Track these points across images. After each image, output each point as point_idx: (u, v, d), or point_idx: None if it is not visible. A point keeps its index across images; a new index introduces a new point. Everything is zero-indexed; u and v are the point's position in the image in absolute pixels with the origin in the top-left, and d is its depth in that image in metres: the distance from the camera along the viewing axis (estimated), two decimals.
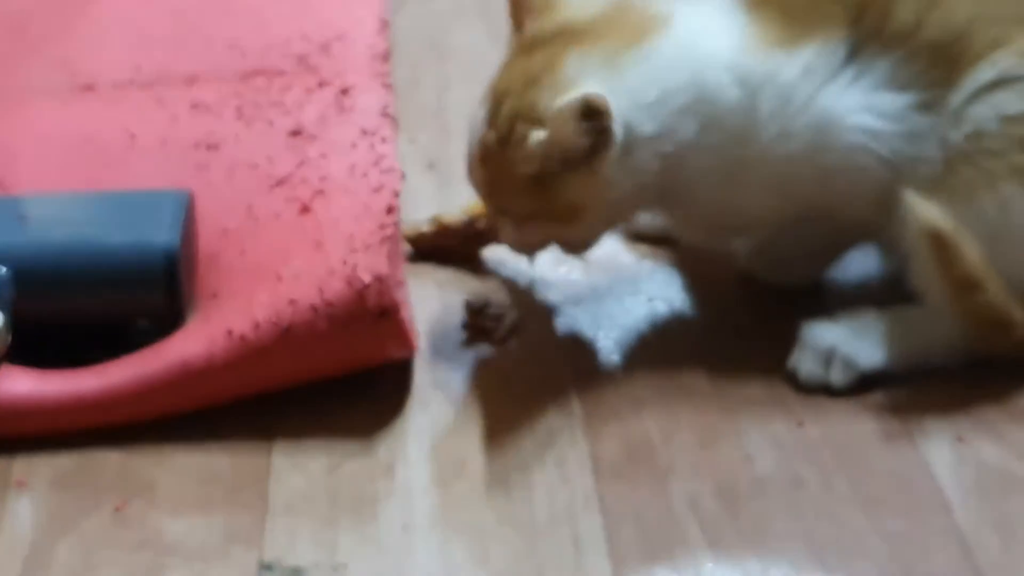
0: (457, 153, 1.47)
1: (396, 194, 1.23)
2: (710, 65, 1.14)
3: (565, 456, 1.10)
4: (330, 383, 1.15)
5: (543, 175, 1.13)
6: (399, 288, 1.18)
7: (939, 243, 1.09)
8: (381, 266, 1.11)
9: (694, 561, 1.00)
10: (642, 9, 1.17)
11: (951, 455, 1.09)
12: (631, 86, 1.12)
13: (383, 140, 1.31)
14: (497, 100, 1.15)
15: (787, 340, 1.18)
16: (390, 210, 1.20)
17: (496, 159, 1.14)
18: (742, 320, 1.25)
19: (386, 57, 1.56)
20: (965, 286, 1.11)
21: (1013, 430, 1.11)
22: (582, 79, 1.11)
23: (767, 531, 1.03)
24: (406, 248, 1.31)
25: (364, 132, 1.32)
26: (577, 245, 1.22)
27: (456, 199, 1.40)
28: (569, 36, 1.15)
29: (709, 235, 1.25)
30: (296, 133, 1.33)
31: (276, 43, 1.55)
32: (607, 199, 1.14)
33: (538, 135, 1.11)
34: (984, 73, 1.11)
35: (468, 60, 1.70)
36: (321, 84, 1.41)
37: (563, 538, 1.02)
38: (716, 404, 1.15)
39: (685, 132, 1.13)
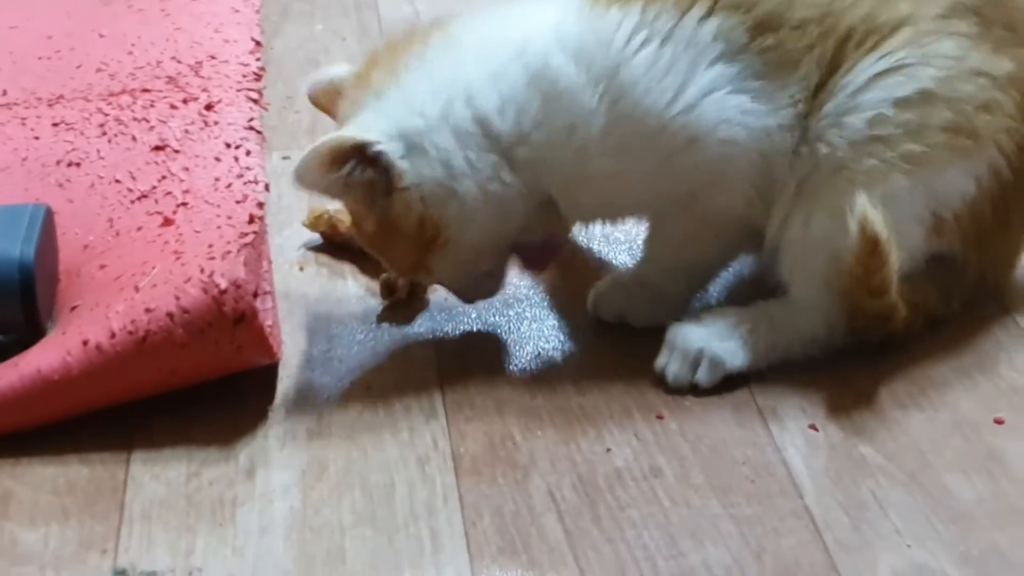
0: None
1: (260, 205, 1.23)
2: (535, 42, 1.15)
3: (427, 455, 1.11)
4: (193, 391, 1.15)
5: (382, 219, 1.16)
6: (263, 297, 1.19)
7: (873, 248, 1.10)
8: (238, 272, 1.11)
9: (550, 550, 1.01)
10: (423, 28, 1.21)
11: (803, 442, 1.11)
12: (405, 97, 1.15)
13: (248, 153, 1.31)
14: None
15: (651, 340, 1.20)
16: (252, 220, 1.20)
17: (364, 240, 1.21)
18: (604, 321, 1.27)
19: (258, 76, 1.57)
20: (876, 292, 1.13)
21: (863, 416, 1.13)
22: (350, 122, 1.16)
23: (624, 519, 1.04)
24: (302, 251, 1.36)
25: (228, 145, 1.33)
26: (483, 287, 1.23)
27: None
28: (349, 87, 1.21)
29: (593, 217, 1.24)
30: (160, 148, 1.33)
31: (146, 65, 1.56)
32: (445, 202, 1.15)
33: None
34: (877, 64, 1.13)
35: None
36: (186, 100, 1.41)
37: (421, 534, 1.03)
38: (578, 401, 1.17)
39: (528, 110, 1.14)
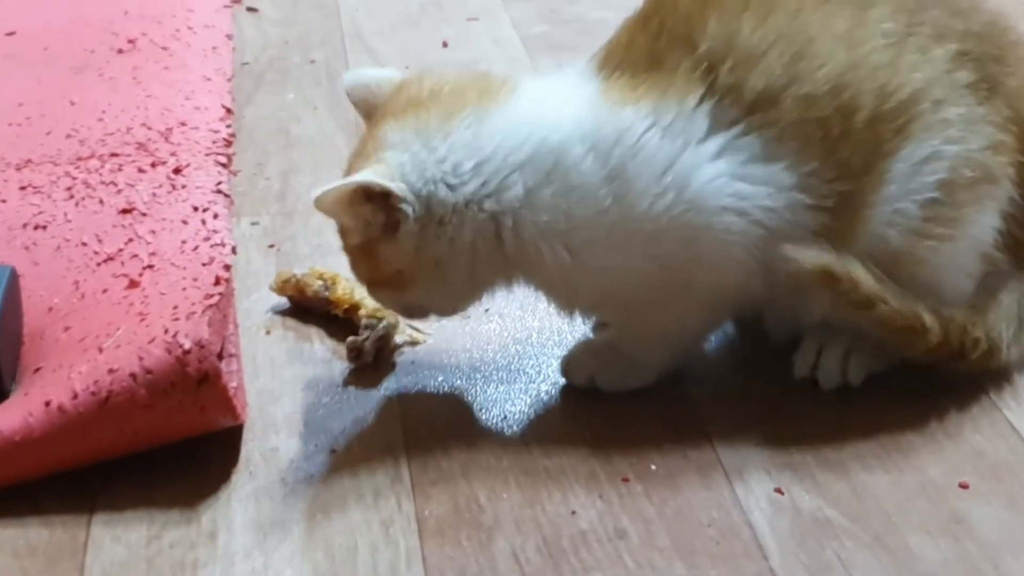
0: (298, 235, 1.51)
1: (226, 267, 1.24)
2: (555, 125, 1.15)
3: (391, 517, 1.10)
4: (155, 453, 1.14)
5: (369, 244, 1.16)
6: (228, 359, 1.19)
7: (830, 278, 1.12)
8: (202, 333, 1.11)
9: None
10: (482, 79, 1.20)
11: (768, 505, 1.11)
12: (445, 152, 1.14)
13: (215, 216, 1.32)
14: (346, 172, 1.19)
15: (619, 404, 1.21)
16: (218, 282, 1.20)
17: (343, 233, 1.20)
18: (570, 385, 1.26)
19: (229, 142, 1.58)
20: (865, 305, 1.14)
21: (828, 479, 1.13)
22: (382, 153, 1.14)
23: None
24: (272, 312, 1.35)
25: (196, 209, 1.33)
26: (446, 313, 1.24)
27: None
28: (393, 111, 1.18)
29: (573, 304, 1.23)
30: (127, 211, 1.34)
31: (116, 131, 1.57)
32: (431, 265, 1.16)
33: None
34: (916, 152, 1.15)
35: (315, 148, 1.72)
36: (154, 164, 1.42)
37: None
38: (544, 464, 1.16)
39: (516, 190, 1.14)
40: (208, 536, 1.08)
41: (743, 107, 1.14)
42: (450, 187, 1.14)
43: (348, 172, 1.18)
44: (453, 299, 1.22)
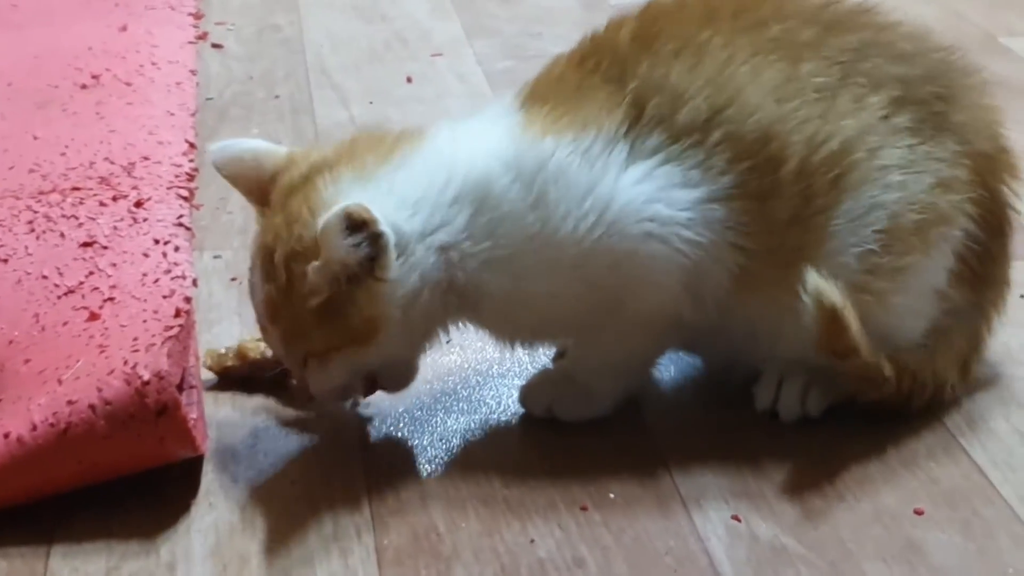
0: None
1: (187, 299, 1.24)
2: (476, 156, 1.17)
3: (350, 548, 1.11)
4: (115, 485, 1.14)
5: (332, 300, 1.13)
6: (189, 391, 1.19)
7: (832, 317, 1.13)
8: (161, 364, 1.11)
9: None
10: (393, 131, 1.21)
11: (726, 532, 1.12)
12: (389, 189, 1.15)
13: (176, 249, 1.33)
14: (267, 255, 1.16)
15: (578, 434, 1.23)
16: (178, 314, 1.21)
17: (284, 308, 1.15)
18: (529, 415, 1.27)
19: (191, 176, 1.59)
20: (845, 353, 1.15)
21: (784, 507, 1.14)
22: (338, 197, 1.13)
23: None
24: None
25: (157, 241, 1.34)
26: (394, 379, 1.22)
27: None
28: (317, 172, 1.17)
29: (513, 335, 1.24)
30: (88, 244, 1.34)
31: (79, 166, 1.57)
32: (400, 307, 1.15)
33: (315, 265, 1.12)
34: (851, 206, 1.16)
35: None
36: (115, 197, 1.42)
37: None
38: (503, 494, 1.17)
39: (458, 223, 1.15)
40: (167, 567, 1.09)
41: (667, 136, 1.16)
42: (404, 215, 1.14)
43: (274, 248, 1.15)
44: (411, 348, 1.20)
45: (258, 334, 1.30)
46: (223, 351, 1.32)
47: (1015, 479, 1.17)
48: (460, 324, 1.22)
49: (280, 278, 1.14)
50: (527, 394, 1.27)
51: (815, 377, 1.23)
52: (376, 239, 1.11)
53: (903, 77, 1.20)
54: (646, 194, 1.15)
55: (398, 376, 1.23)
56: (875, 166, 1.17)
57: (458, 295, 1.18)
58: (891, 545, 1.10)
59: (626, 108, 1.17)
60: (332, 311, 1.14)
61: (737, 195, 1.16)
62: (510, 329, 1.23)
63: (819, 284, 1.12)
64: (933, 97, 1.21)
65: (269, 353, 1.28)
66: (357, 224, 1.10)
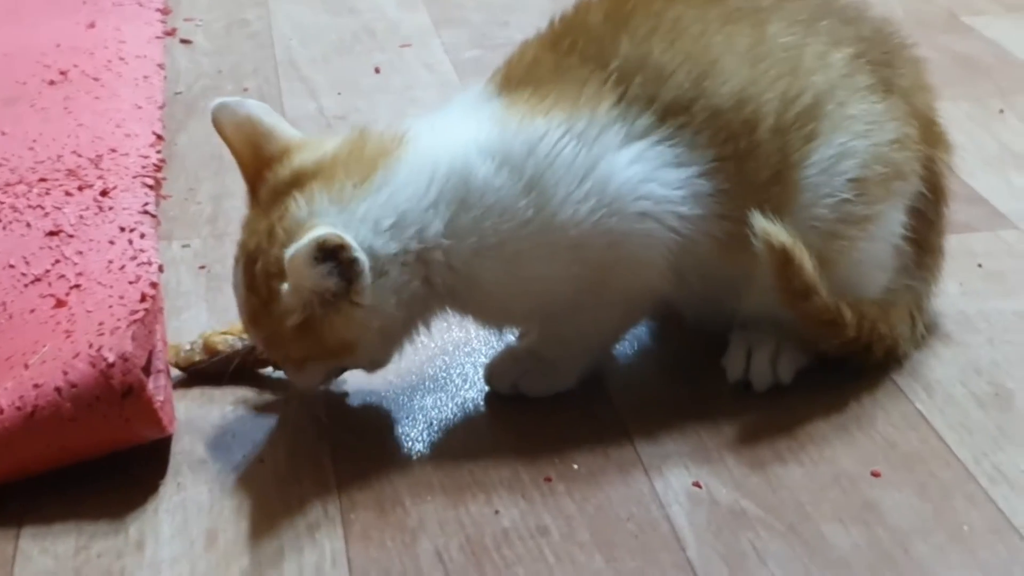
0: (229, 256, 1.52)
1: (152, 284, 1.25)
2: (456, 151, 1.16)
3: (317, 522, 1.12)
4: (83, 467, 1.15)
5: (310, 320, 1.13)
6: (156, 375, 1.20)
7: (784, 258, 1.15)
8: (126, 346, 1.13)
9: None
10: (376, 137, 1.19)
11: (686, 499, 1.13)
12: (365, 214, 1.14)
13: (142, 236, 1.34)
14: (250, 260, 1.16)
15: (542, 408, 1.24)
16: (143, 298, 1.22)
17: (263, 318, 1.16)
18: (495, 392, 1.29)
19: (158, 167, 1.60)
20: (803, 294, 1.17)
21: (744, 473, 1.16)
22: (312, 221, 1.12)
23: None
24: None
25: (123, 229, 1.35)
26: (373, 365, 1.23)
27: (225, 299, 1.43)
28: (297, 182, 1.16)
29: (505, 320, 1.26)
30: (54, 233, 1.35)
31: (47, 160, 1.58)
32: (376, 326, 1.15)
33: (286, 287, 1.12)
34: (823, 152, 1.19)
35: None
36: (81, 187, 1.43)
37: None
38: (468, 468, 1.19)
39: (436, 226, 1.15)
40: (135, 545, 1.10)
41: (655, 117, 1.17)
42: (381, 240, 1.14)
43: (257, 256, 1.15)
44: (389, 350, 1.21)
45: (223, 326, 1.32)
46: (188, 347, 1.30)
47: (971, 442, 1.19)
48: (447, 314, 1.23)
49: (261, 291, 1.15)
50: (492, 372, 1.29)
51: (783, 344, 1.25)
52: (351, 264, 1.11)
53: (856, 37, 1.23)
54: (641, 174, 1.17)
55: (376, 365, 1.24)
56: (844, 115, 1.20)
57: (445, 293, 1.18)
58: (849, 506, 1.12)
59: (612, 87, 1.18)
60: (308, 329, 1.14)
61: (721, 165, 1.18)
62: (501, 316, 1.24)
63: (766, 226, 1.14)
64: (881, 61, 1.24)
65: (238, 345, 1.29)
66: (331, 251, 1.09)
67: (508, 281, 1.18)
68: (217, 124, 1.21)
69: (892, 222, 1.24)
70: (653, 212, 1.17)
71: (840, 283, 1.21)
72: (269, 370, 1.30)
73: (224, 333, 1.31)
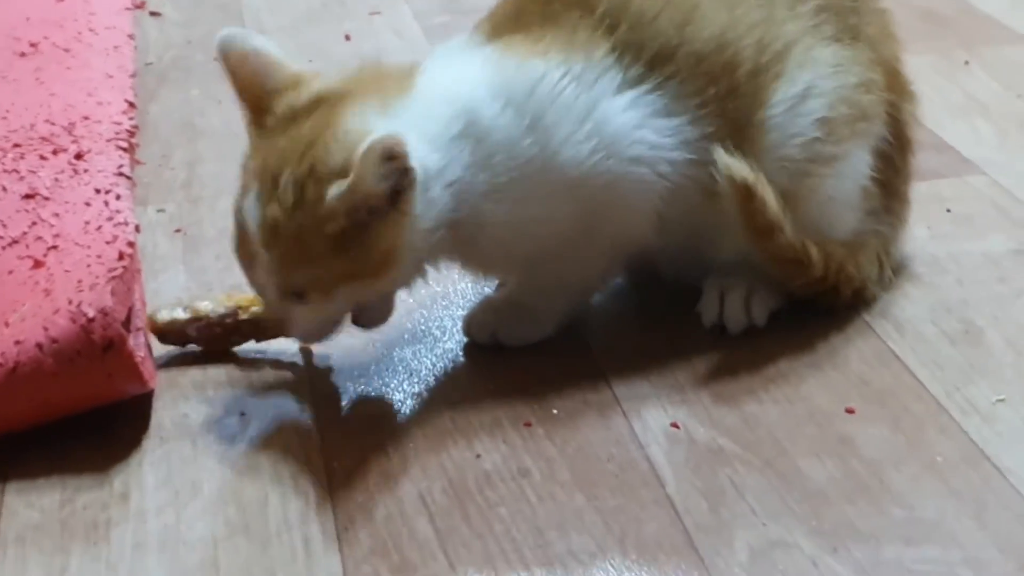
0: (204, 219, 1.54)
1: (130, 244, 1.26)
2: (467, 90, 1.17)
3: (300, 470, 1.13)
4: (67, 424, 1.16)
5: (349, 230, 1.11)
6: (136, 333, 1.21)
7: (746, 193, 1.17)
8: (106, 301, 1.14)
9: (420, 548, 1.04)
10: (391, 67, 1.21)
11: (665, 438, 1.15)
12: (411, 124, 1.14)
13: (117, 197, 1.35)
14: (270, 176, 1.13)
15: (521, 357, 1.26)
16: (121, 257, 1.23)
17: (289, 231, 1.11)
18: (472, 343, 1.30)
19: (132, 132, 1.61)
20: (767, 231, 1.19)
21: (721, 412, 1.18)
22: (371, 128, 1.11)
23: (493, 516, 1.07)
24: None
25: (98, 191, 1.35)
26: (376, 315, 1.23)
27: (202, 261, 1.45)
28: (333, 101, 1.15)
29: (504, 265, 1.27)
30: (30, 196, 1.36)
31: (20, 128, 1.58)
32: (415, 242, 1.15)
33: (337, 188, 1.09)
34: (789, 90, 1.21)
35: (220, 139, 1.74)
36: (56, 151, 1.44)
37: (295, 541, 1.06)
38: (449, 415, 1.20)
39: (463, 158, 1.16)
40: (120, 497, 1.11)
41: (645, 66, 1.19)
42: (427, 153, 1.14)
43: (281, 169, 1.12)
44: (407, 281, 1.21)
45: (200, 288, 1.32)
46: (166, 317, 1.27)
47: (943, 376, 1.21)
48: (447, 261, 1.23)
49: (287, 200, 1.11)
50: (471, 323, 1.30)
51: (756, 287, 1.27)
52: (405, 173, 1.10)
53: None
54: (635, 120, 1.19)
55: (380, 313, 1.23)
56: (810, 57, 1.22)
57: (458, 230, 1.18)
58: (824, 441, 1.14)
59: (604, 34, 1.19)
60: (349, 240, 1.12)
61: (705, 111, 1.20)
62: (503, 260, 1.24)
63: (728, 161, 1.16)
64: (847, 10, 1.26)
65: (222, 309, 1.27)
66: (391, 156, 1.09)
67: (511, 223, 1.19)
68: (224, 55, 1.20)
69: (859, 162, 1.26)
70: (646, 157, 1.19)
71: (811, 222, 1.23)
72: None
73: (189, 306, 1.28)
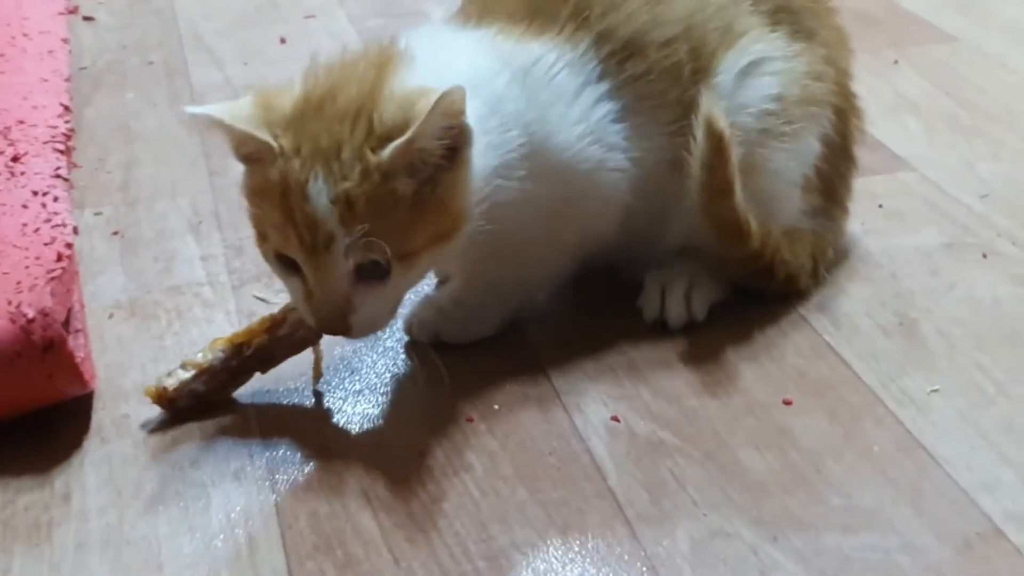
0: (142, 221, 1.53)
1: (68, 245, 1.25)
2: (471, 65, 1.17)
3: (242, 468, 1.13)
4: (6, 426, 1.16)
5: (420, 190, 1.09)
6: (75, 334, 1.21)
7: (718, 143, 1.18)
8: (46, 302, 1.13)
9: (364, 543, 1.04)
10: (370, 49, 1.18)
11: (606, 432, 1.16)
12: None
13: (55, 199, 1.34)
14: (329, 157, 1.09)
15: (461, 355, 1.26)
16: (60, 258, 1.22)
17: (365, 201, 1.08)
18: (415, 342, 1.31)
19: (68, 135, 1.60)
20: (723, 189, 1.20)
21: (661, 406, 1.19)
22: (429, 88, 1.08)
23: (436, 511, 1.08)
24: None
25: (36, 193, 1.35)
26: (377, 320, 1.16)
27: (140, 262, 1.44)
28: (352, 83, 1.12)
29: (482, 251, 1.23)
30: None
31: None
32: (472, 201, 1.14)
33: (394, 145, 1.07)
34: (740, 60, 1.24)
35: (156, 141, 1.74)
36: None
37: (238, 539, 1.06)
38: (391, 413, 1.21)
39: (490, 124, 1.16)
40: (62, 498, 1.11)
41: (618, 59, 1.21)
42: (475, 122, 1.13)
43: (336, 149, 1.09)
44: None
45: (139, 289, 1.31)
46: (168, 377, 1.19)
47: (879, 368, 1.23)
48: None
49: (354, 171, 1.08)
50: (413, 323, 1.30)
51: (696, 282, 1.29)
52: (461, 131, 1.10)
53: None
54: (615, 109, 1.21)
55: (380, 318, 1.16)
56: (764, 37, 1.26)
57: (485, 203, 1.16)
58: (763, 433, 1.15)
59: (581, 23, 1.21)
60: (423, 200, 1.10)
61: (673, 98, 1.23)
62: (484, 244, 1.19)
63: (712, 109, 1.18)
64: (808, 11, 1.30)
65: (220, 355, 1.20)
66: (453, 113, 1.08)
67: (512, 202, 1.18)
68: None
69: (807, 147, 1.29)
70: (620, 146, 1.21)
71: (758, 192, 1.25)
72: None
73: (188, 363, 1.21)
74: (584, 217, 1.24)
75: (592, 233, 1.26)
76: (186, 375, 1.20)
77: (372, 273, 1.11)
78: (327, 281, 1.10)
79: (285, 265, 1.13)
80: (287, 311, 1.21)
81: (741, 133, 1.23)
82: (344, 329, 1.13)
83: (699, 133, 1.18)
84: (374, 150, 1.09)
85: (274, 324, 1.21)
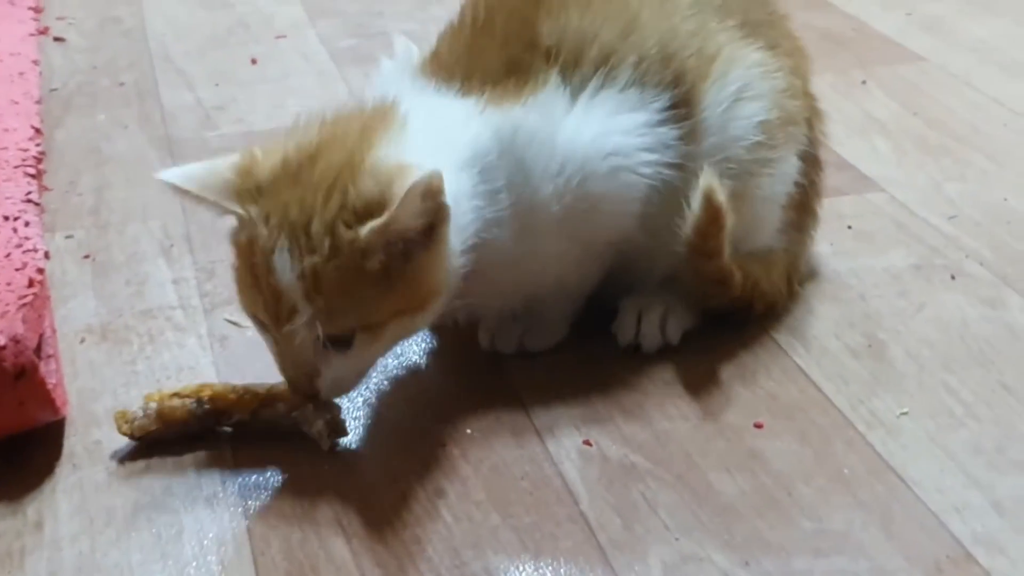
0: (113, 245, 1.53)
1: (39, 271, 1.25)
2: (463, 134, 1.18)
3: (214, 494, 1.13)
4: None
5: (390, 264, 1.09)
6: (47, 360, 1.21)
7: (714, 216, 1.19)
8: (17, 328, 1.13)
9: (337, 570, 1.05)
10: (377, 109, 1.18)
11: (578, 456, 1.17)
12: (428, 157, 1.12)
13: (26, 224, 1.34)
14: (299, 227, 1.08)
15: (430, 383, 1.28)
16: (31, 284, 1.22)
17: (332, 276, 1.08)
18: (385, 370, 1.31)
19: (39, 159, 1.60)
20: (710, 254, 1.22)
21: (633, 430, 1.20)
22: (404, 160, 1.10)
23: (409, 537, 1.08)
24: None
25: (7, 218, 1.34)
26: (345, 383, 1.17)
27: (112, 286, 1.44)
28: (338, 142, 1.12)
29: (506, 299, 1.27)
30: None
31: None
32: (450, 270, 1.14)
33: (373, 224, 1.07)
34: (722, 91, 1.24)
35: (127, 164, 1.73)
36: None
37: (211, 567, 1.06)
38: (365, 439, 1.21)
39: (476, 187, 1.17)
40: (34, 525, 1.10)
41: (589, 68, 1.21)
42: (449, 190, 1.12)
43: (307, 220, 1.09)
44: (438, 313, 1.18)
45: (111, 314, 1.30)
46: (140, 414, 1.18)
47: (848, 391, 1.24)
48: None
49: (323, 246, 1.08)
50: (497, 336, 1.30)
51: (671, 307, 1.30)
52: (439, 209, 1.10)
53: (741, 5, 1.29)
54: (598, 126, 1.20)
55: (347, 382, 1.17)
56: (740, 57, 1.26)
57: (473, 264, 1.17)
58: (734, 456, 1.16)
59: (551, 64, 1.21)
60: (392, 275, 1.10)
61: (671, 113, 1.23)
62: (511, 287, 1.24)
63: (713, 182, 1.18)
64: (767, 23, 1.31)
65: (201, 409, 1.19)
66: (429, 192, 1.08)
67: (512, 256, 1.20)
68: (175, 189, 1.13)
69: (790, 166, 1.31)
70: (624, 164, 1.21)
71: (749, 220, 1.26)
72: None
73: (175, 395, 1.19)
74: (603, 234, 1.25)
75: (618, 237, 1.26)
76: (148, 421, 1.18)
77: (338, 340, 1.11)
78: (291, 348, 1.12)
79: (258, 322, 1.14)
80: (274, 394, 1.19)
81: (735, 166, 1.24)
82: (312, 391, 1.15)
83: (696, 203, 1.19)
84: (348, 224, 1.08)
85: (260, 404, 1.19)
